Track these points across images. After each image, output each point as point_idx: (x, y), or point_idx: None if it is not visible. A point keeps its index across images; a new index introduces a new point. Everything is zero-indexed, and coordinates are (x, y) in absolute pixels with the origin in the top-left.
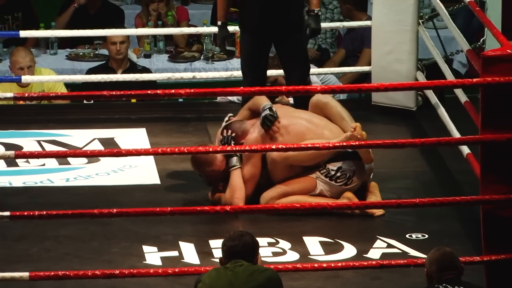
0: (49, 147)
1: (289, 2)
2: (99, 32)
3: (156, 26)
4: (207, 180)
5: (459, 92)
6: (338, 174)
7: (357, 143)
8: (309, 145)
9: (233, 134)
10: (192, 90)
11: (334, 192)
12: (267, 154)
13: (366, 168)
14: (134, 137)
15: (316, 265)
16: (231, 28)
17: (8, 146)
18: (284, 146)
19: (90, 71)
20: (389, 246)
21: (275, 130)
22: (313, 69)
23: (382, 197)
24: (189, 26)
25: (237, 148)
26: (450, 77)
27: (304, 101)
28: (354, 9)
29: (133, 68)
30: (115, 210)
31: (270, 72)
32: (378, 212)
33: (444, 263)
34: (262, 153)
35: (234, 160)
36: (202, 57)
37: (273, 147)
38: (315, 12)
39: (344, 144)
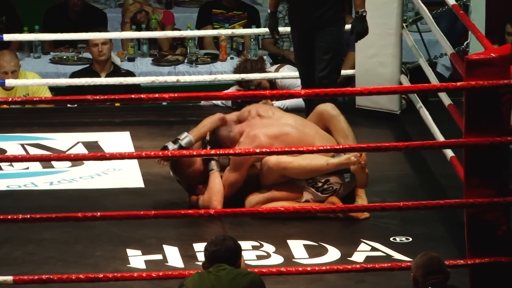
0: (33, 151)
1: None
2: (82, 36)
3: (139, 29)
4: (185, 185)
5: (443, 96)
6: (325, 186)
7: (341, 146)
8: (292, 149)
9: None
10: (176, 94)
11: (318, 200)
12: (264, 160)
13: (353, 181)
14: (118, 140)
15: (300, 268)
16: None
17: None
18: (267, 150)
19: (74, 75)
20: (373, 249)
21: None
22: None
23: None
24: (174, 29)
25: (220, 152)
26: (434, 80)
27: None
28: None
29: (117, 71)
30: (99, 213)
31: (254, 76)
32: (363, 215)
33: (431, 267)
34: (250, 163)
35: (212, 163)
36: (186, 61)
37: (257, 150)
38: (360, 13)
39: (328, 147)
